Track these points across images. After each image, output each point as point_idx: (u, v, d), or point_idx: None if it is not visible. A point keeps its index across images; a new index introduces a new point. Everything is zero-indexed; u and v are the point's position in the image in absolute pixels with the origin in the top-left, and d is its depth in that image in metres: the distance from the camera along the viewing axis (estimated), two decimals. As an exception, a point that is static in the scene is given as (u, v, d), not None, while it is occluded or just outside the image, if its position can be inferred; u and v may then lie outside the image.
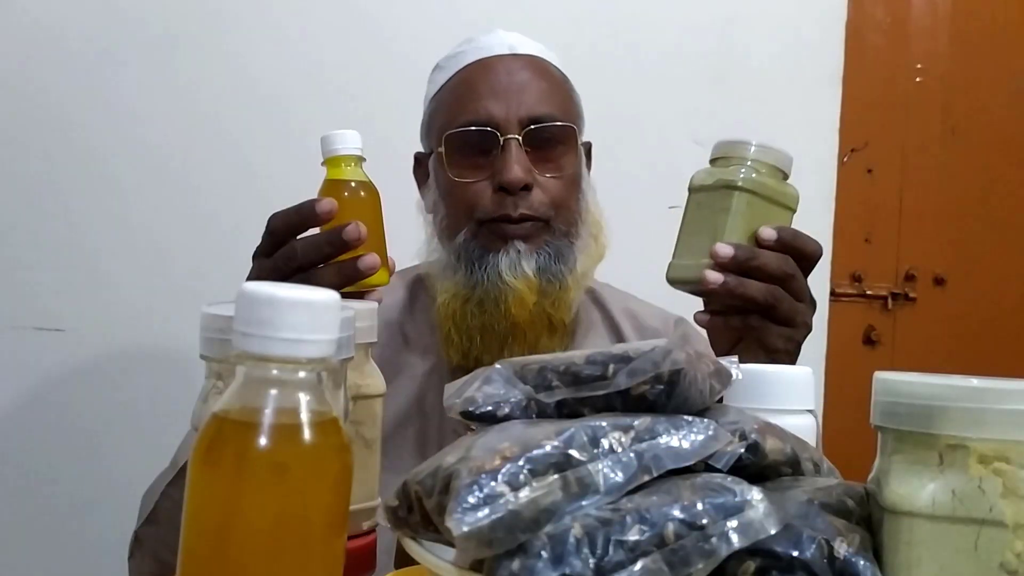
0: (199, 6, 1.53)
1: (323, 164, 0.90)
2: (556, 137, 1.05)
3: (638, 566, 0.42)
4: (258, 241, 0.89)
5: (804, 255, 0.87)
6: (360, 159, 0.90)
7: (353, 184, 0.89)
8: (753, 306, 0.85)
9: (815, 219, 1.69)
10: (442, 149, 1.04)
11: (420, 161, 1.14)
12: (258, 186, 1.51)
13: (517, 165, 1.01)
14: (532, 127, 1.03)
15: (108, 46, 1.50)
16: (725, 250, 0.84)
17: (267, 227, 0.87)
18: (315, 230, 0.88)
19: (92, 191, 1.49)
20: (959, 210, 1.83)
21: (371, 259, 0.86)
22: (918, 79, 1.82)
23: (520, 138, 1.02)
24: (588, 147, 1.14)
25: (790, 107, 1.70)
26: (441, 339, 1.08)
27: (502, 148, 1.02)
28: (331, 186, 0.89)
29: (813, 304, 0.90)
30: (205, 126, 1.52)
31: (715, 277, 0.84)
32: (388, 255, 0.91)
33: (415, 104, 1.16)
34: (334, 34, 1.55)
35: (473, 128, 1.03)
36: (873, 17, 1.80)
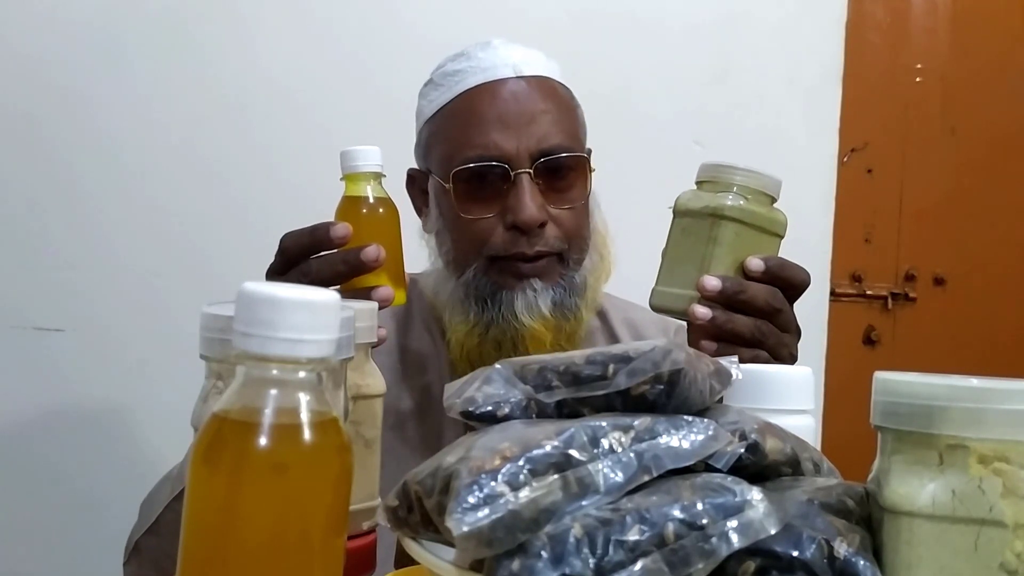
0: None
1: (342, 179, 0.89)
2: (567, 167, 1.02)
3: (638, 566, 0.42)
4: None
5: (792, 285, 0.86)
6: (380, 176, 0.89)
7: (372, 201, 0.88)
8: (740, 341, 0.84)
9: (815, 219, 1.70)
10: (450, 185, 1.00)
11: (415, 179, 1.11)
12: (264, 185, 1.51)
13: (532, 203, 0.98)
14: (543, 160, 1.00)
15: (119, 39, 1.50)
16: (712, 283, 0.82)
17: (280, 246, 0.86)
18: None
19: (93, 191, 1.49)
20: (959, 210, 1.83)
21: (385, 292, 0.85)
22: (918, 79, 1.82)
23: (531, 172, 0.99)
24: (588, 154, 1.12)
25: (790, 107, 1.70)
26: (453, 376, 1.06)
27: (513, 183, 0.99)
28: (349, 203, 0.88)
29: (798, 333, 0.88)
30: (213, 125, 1.51)
31: (703, 313, 0.83)
32: (405, 272, 0.90)
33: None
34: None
35: (482, 164, 0.99)
36: (873, 17, 1.80)
